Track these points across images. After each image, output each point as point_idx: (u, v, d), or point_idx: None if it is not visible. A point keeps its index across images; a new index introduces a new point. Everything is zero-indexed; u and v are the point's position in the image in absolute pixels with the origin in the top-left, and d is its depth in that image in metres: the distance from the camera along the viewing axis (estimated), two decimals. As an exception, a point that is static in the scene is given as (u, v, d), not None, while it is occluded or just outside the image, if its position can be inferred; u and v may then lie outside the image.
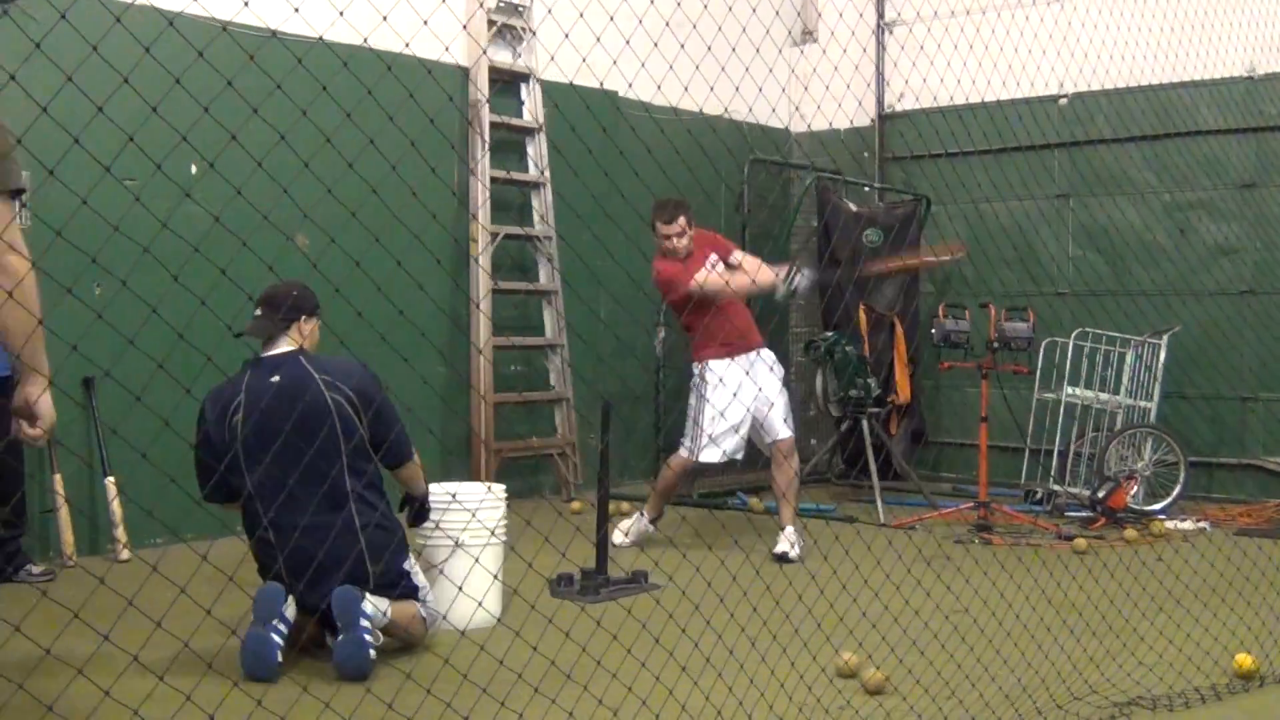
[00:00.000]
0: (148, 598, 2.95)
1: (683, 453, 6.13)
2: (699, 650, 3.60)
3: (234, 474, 3.98)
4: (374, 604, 3.93)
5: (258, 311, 4.16)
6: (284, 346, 4.12)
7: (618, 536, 6.12)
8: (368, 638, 3.83)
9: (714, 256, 6.06)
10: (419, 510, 4.40)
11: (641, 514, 6.26)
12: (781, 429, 6.02)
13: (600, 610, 4.58)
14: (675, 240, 5.97)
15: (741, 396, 5.90)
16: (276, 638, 3.78)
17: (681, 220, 5.96)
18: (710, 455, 6.03)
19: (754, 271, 6.03)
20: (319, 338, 4.29)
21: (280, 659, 3.78)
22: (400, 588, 4.11)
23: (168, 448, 3.88)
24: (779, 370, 6.14)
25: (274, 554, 3.95)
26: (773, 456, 6.11)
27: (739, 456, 6.15)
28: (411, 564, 4.22)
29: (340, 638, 3.85)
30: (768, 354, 6.12)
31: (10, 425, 2.80)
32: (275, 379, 4.01)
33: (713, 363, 6.01)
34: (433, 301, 6.67)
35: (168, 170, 3.90)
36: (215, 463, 3.95)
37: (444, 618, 4.33)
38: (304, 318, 4.17)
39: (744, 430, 6.02)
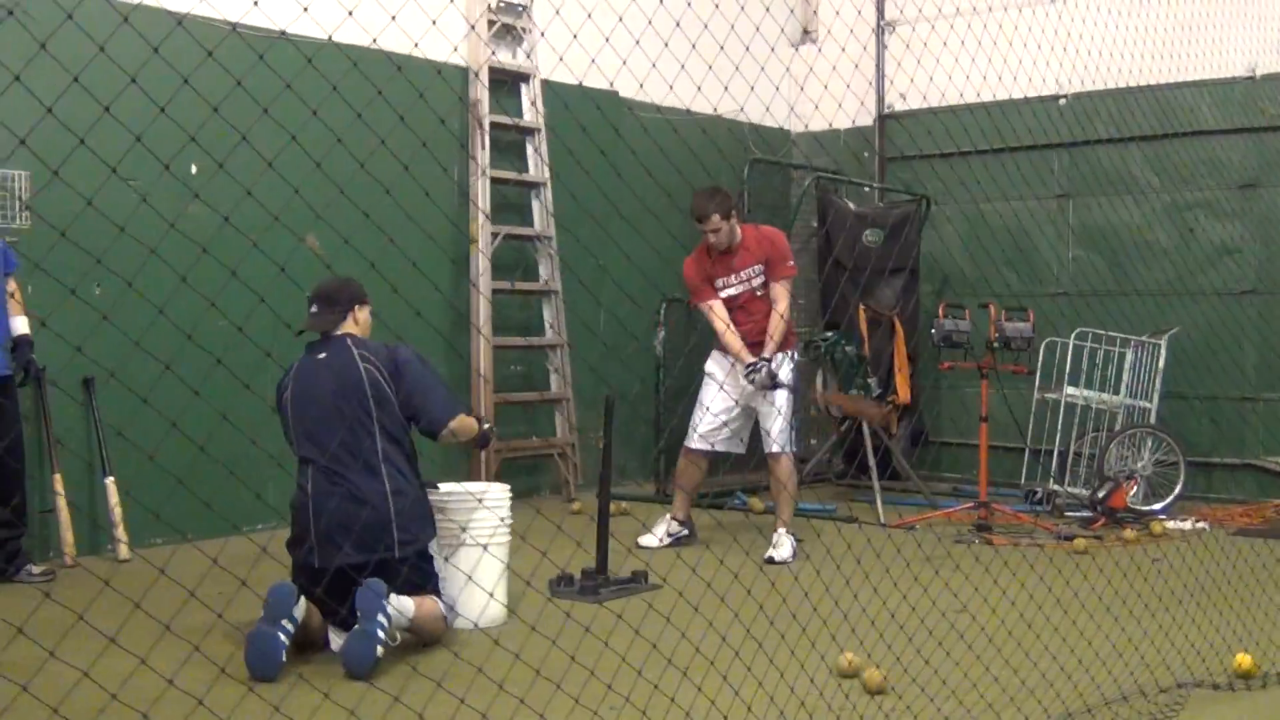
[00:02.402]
0: (150, 597, 2.95)
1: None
2: (699, 650, 3.60)
3: (290, 442, 4.30)
4: (397, 606, 3.98)
5: (313, 308, 4.40)
6: (336, 332, 4.37)
7: (651, 539, 6.22)
8: (381, 634, 3.86)
9: (756, 269, 6.02)
10: (482, 442, 4.71)
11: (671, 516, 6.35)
12: (773, 442, 5.99)
13: (600, 610, 4.58)
14: (713, 237, 5.97)
15: (729, 392, 6.01)
16: (283, 637, 3.81)
17: (714, 218, 5.90)
18: (696, 444, 6.16)
19: (773, 326, 5.95)
20: (371, 322, 4.50)
21: (284, 658, 3.80)
22: (423, 571, 4.20)
23: (168, 448, 3.89)
24: (786, 377, 6.01)
25: (304, 517, 4.09)
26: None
27: (738, 451, 6.25)
28: (435, 549, 4.32)
29: (354, 628, 3.89)
30: (778, 359, 6.02)
31: (11, 424, 2.80)
32: (322, 356, 4.30)
33: (713, 355, 6.18)
34: (433, 301, 6.67)
35: (170, 171, 3.90)
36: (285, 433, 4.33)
37: (458, 614, 4.37)
38: (357, 306, 4.44)
39: (734, 425, 6.10)
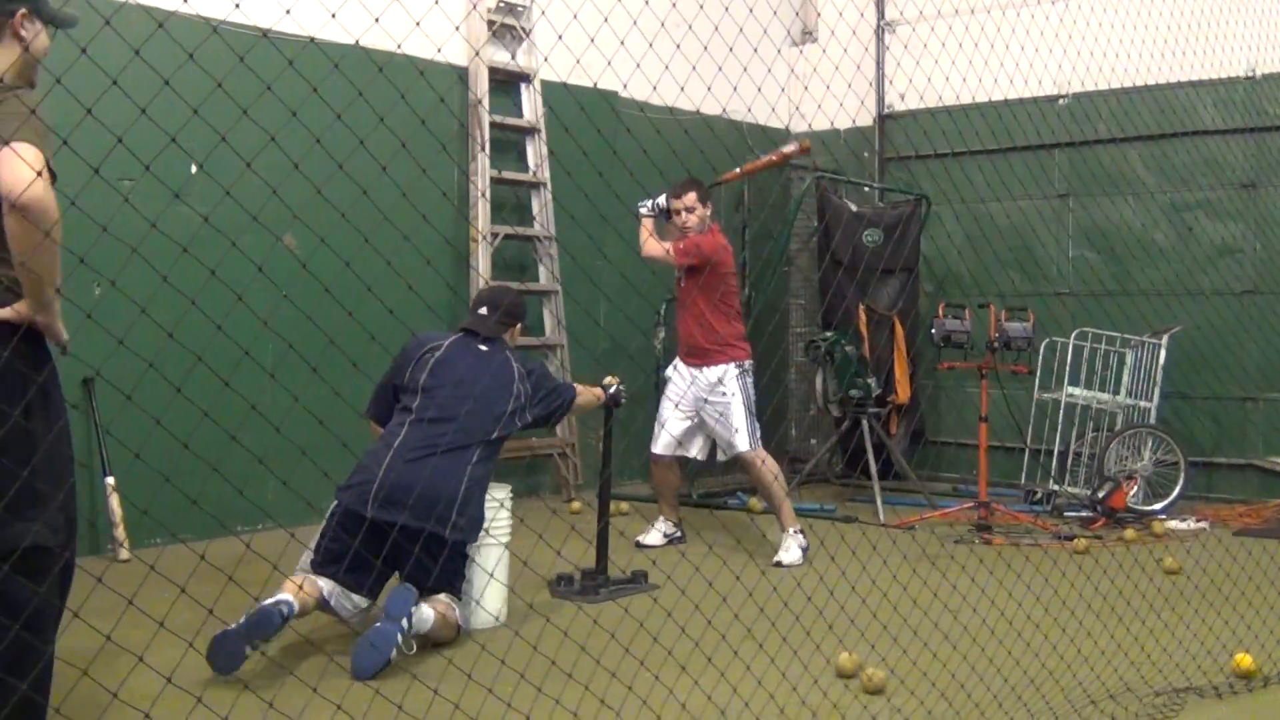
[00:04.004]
0: (148, 597, 2.94)
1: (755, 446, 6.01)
2: (699, 650, 3.59)
3: (406, 394, 4.41)
4: (419, 616, 4.05)
5: (481, 310, 4.69)
6: (495, 337, 4.64)
7: (652, 538, 6.26)
8: (399, 638, 3.91)
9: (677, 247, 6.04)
10: (613, 402, 5.17)
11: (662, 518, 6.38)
12: (738, 444, 5.95)
13: (600, 610, 4.57)
14: (684, 215, 5.99)
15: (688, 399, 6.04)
16: (249, 649, 3.81)
17: (690, 196, 5.98)
18: (663, 450, 6.16)
19: (650, 244, 6.03)
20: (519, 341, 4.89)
21: (241, 664, 3.81)
22: (456, 569, 4.28)
23: (165, 447, 3.86)
24: (731, 387, 5.95)
25: (376, 463, 4.18)
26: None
27: (699, 456, 6.28)
28: (472, 552, 4.38)
29: (375, 626, 3.95)
30: (710, 372, 5.99)
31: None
32: (484, 348, 4.57)
33: (675, 362, 6.26)
34: (429, 302, 6.67)
35: (163, 171, 3.89)
36: (392, 386, 4.50)
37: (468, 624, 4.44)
38: (519, 325, 4.81)
39: (697, 426, 6.10)
